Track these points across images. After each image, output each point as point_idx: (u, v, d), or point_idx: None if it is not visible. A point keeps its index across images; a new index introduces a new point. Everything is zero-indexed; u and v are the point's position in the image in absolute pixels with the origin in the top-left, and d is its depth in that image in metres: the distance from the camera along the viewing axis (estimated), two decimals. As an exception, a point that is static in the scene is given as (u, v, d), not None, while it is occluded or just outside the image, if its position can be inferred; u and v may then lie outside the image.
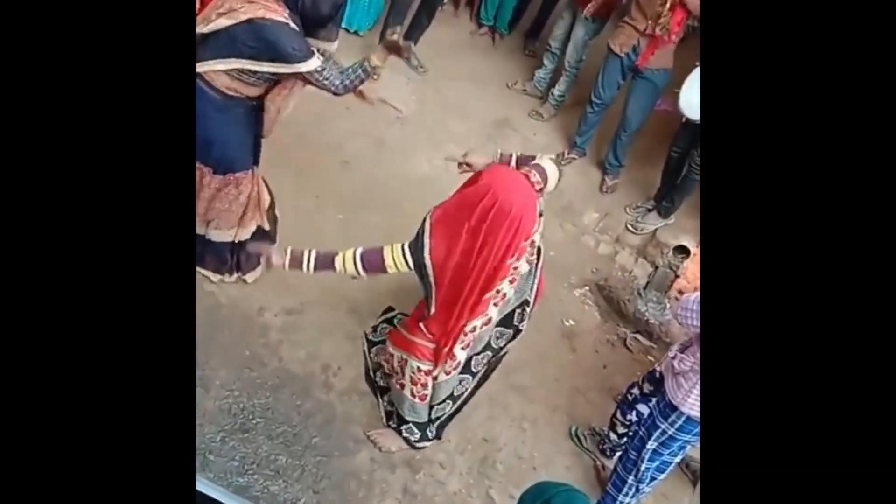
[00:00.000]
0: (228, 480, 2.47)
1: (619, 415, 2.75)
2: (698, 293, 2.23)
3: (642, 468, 2.50)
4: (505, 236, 2.04)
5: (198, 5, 2.53)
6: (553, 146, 4.29)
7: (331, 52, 2.46)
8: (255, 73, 2.36)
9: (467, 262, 2.10)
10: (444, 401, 2.58)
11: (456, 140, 3.98)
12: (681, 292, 3.54)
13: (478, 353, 2.46)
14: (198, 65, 2.32)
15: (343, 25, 4.11)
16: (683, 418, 2.33)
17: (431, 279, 2.16)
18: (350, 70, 2.44)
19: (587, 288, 3.65)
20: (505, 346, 2.52)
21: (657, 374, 2.52)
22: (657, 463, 2.49)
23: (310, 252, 2.23)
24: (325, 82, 2.39)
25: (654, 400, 2.51)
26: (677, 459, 2.53)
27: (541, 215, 2.20)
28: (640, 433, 2.50)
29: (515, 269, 2.18)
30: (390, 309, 3.02)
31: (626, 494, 2.59)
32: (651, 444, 2.44)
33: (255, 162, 2.76)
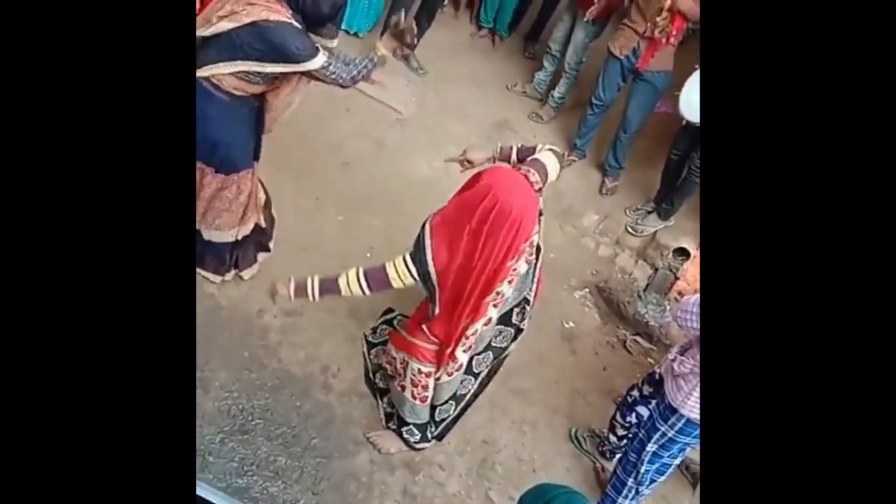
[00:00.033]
0: (228, 482, 2.47)
1: (618, 417, 2.75)
2: (698, 295, 2.22)
3: (642, 470, 2.49)
4: (506, 238, 2.03)
5: (197, 6, 2.53)
6: (553, 148, 4.29)
7: (331, 48, 2.47)
8: (261, 73, 2.36)
9: (469, 264, 2.09)
10: (447, 401, 2.58)
11: (456, 142, 3.97)
12: (681, 294, 3.54)
13: (479, 354, 2.46)
14: (205, 68, 2.33)
15: (343, 27, 4.12)
16: (683, 420, 2.32)
17: (435, 283, 2.16)
18: (357, 61, 2.44)
19: (587, 290, 3.65)
20: (507, 347, 2.51)
21: (657, 377, 2.52)
22: (657, 465, 2.49)
23: (312, 279, 2.25)
24: (333, 77, 2.39)
25: (653, 402, 2.51)
26: (677, 461, 2.53)
27: (541, 215, 2.20)
28: (640, 435, 2.50)
29: (514, 269, 2.18)
30: (390, 310, 3.02)
31: (626, 496, 2.58)
32: (651, 447, 2.44)
33: (256, 158, 2.77)
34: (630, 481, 2.54)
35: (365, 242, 3.36)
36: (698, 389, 2.23)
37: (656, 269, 3.77)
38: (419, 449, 2.72)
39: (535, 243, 2.25)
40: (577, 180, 4.19)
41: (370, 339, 2.95)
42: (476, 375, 2.57)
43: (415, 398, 2.52)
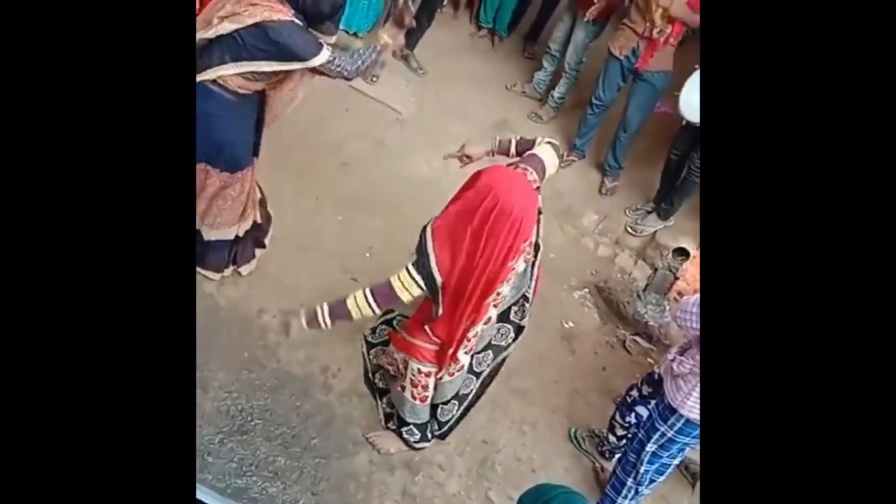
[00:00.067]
0: (227, 482, 2.47)
1: (618, 417, 2.75)
2: (697, 295, 2.22)
3: (641, 470, 2.49)
4: (507, 238, 2.03)
5: (197, 6, 2.53)
6: (552, 148, 4.30)
7: (331, 44, 2.47)
8: (267, 71, 2.37)
9: (471, 264, 2.09)
10: (449, 401, 2.57)
11: (455, 142, 3.91)
12: (680, 294, 3.54)
13: (479, 352, 2.46)
14: (210, 70, 2.33)
15: (342, 27, 4.11)
16: (682, 421, 2.32)
17: (439, 286, 2.15)
18: (360, 51, 2.46)
19: (587, 290, 3.65)
20: (507, 345, 2.51)
21: (656, 377, 2.52)
22: (656, 465, 2.49)
23: (322, 307, 2.25)
24: (338, 70, 2.39)
25: (653, 402, 2.51)
26: (676, 461, 2.53)
27: (540, 213, 2.20)
28: (640, 435, 2.50)
29: (512, 269, 2.18)
30: (390, 310, 3.02)
31: (625, 496, 2.58)
32: (650, 447, 2.44)
33: (255, 154, 2.78)
34: (629, 481, 2.54)
35: (364, 242, 3.36)
36: (697, 390, 2.23)
37: (656, 269, 3.77)
38: (419, 449, 2.72)
39: (534, 242, 2.24)
40: (577, 180, 4.19)
41: (370, 339, 2.95)
42: (478, 375, 2.57)
43: (415, 398, 2.52)
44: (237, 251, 2.96)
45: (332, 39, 2.46)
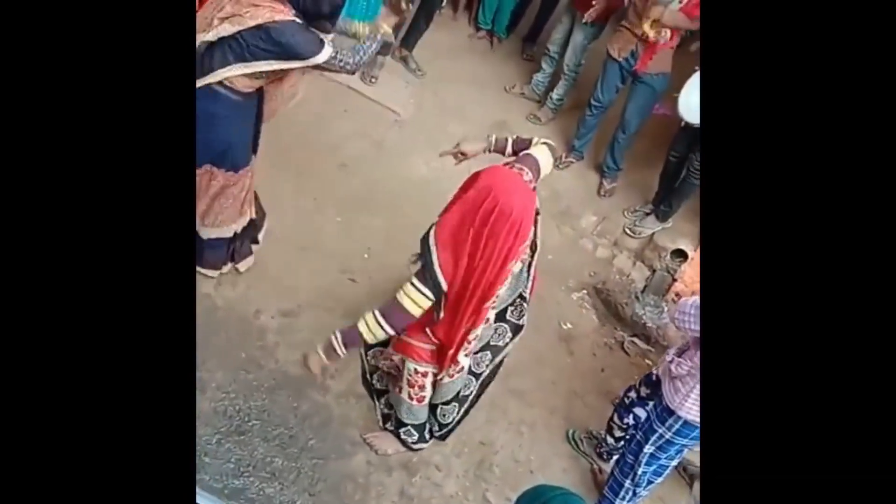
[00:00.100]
0: (224, 483, 2.46)
1: (616, 418, 2.74)
2: (696, 297, 2.23)
3: (639, 472, 2.49)
4: (506, 239, 2.02)
5: (196, 5, 2.53)
6: (551, 150, 4.30)
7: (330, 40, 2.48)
8: (270, 70, 2.38)
9: (471, 265, 2.08)
10: (450, 402, 2.57)
11: (454, 143, 3.98)
12: (678, 296, 3.54)
13: (477, 353, 2.45)
14: (218, 73, 2.33)
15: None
16: (680, 422, 2.32)
17: (444, 291, 2.14)
18: (361, 43, 2.47)
19: (585, 291, 3.65)
20: (506, 345, 2.51)
21: (654, 378, 2.52)
22: (654, 467, 2.49)
23: (335, 335, 2.23)
24: (341, 65, 2.41)
25: (651, 404, 2.51)
26: (674, 463, 2.53)
27: (537, 213, 2.19)
28: (638, 437, 2.49)
29: (511, 271, 2.18)
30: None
31: (623, 498, 2.58)
32: (648, 448, 2.43)
33: (255, 151, 2.78)
34: (627, 483, 2.54)
35: (364, 243, 3.36)
36: (696, 391, 2.23)
37: (654, 271, 3.78)
38: (416, 450, 2.71)
39: (531, 242, 2.24)
40: (576, 182, 4.20)
41: (368, 339, 2.94)
42: (477, 376, 2.56)
43: (412, 399, 2.52)
44: (235, 248, 2.96)
45: (331, 36, 2.46)
